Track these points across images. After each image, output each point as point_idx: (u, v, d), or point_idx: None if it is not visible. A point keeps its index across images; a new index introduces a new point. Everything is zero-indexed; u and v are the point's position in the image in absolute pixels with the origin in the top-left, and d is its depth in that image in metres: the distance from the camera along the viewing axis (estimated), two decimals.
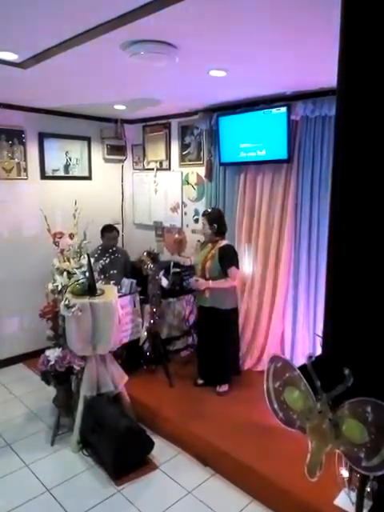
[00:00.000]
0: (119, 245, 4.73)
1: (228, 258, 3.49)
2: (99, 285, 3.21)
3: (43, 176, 4.50)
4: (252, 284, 4.05)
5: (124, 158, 5.19)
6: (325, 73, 2.64)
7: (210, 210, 3.68)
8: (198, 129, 4.39)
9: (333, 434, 1.29)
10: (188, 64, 2.67)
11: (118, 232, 4.47)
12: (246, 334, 4.09)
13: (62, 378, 3.12)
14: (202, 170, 4.42)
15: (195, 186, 4.60)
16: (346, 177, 1.24)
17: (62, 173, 4.66)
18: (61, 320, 3.17)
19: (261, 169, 3.90)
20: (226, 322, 3.58)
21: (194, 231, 4.63)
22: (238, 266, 3.55)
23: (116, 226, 4.55)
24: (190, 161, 4.61)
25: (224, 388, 3.63)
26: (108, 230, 4.35)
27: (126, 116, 4.86)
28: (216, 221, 3.55)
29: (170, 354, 4.19)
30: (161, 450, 3.07)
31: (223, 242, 3.56)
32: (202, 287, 3.53)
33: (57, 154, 4.59)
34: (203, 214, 3.66)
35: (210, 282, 3.48)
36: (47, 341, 3.29)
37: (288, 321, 3.90)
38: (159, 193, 4.99)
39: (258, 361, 4.03)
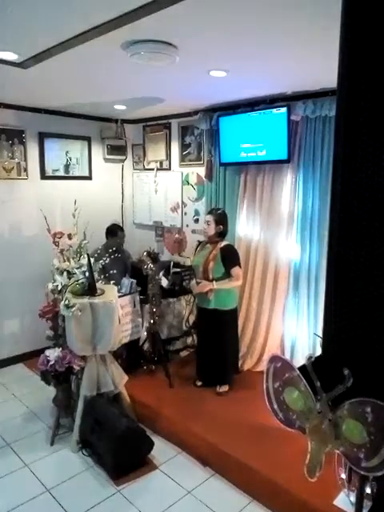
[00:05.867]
0: None
1: (231, 258, 3.47)
2: (99, 285, 3.21)
3: (43, 176, 4.50)
4: (252, 284, 4.05)
5: (124, 157, 5.19)
6: (325, 73, 2.64)
7: (218, 210, 3.64)
8: (199, 129, 4.38)
9: (332, 434, 1.29)
10: (188, 64, 2.67)
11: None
12: (246, 334, 4.09)
13: (61, 378, 3.12)
14: (202, 170, 4.42)
15: (195, 186, 4.60)
16: (347, 177, 1.24)
17: (62, 173, 4.66)
18: (61, 320, 3.18)
19: (261, 169, 3.90)
20: (228, 322, 3.59)
21: (194, 231, 4.64)
22: (240, 266, 3.54)
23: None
24: (190, 161, 4.61)
25: (224, 388, 3.63)
26: (120, 229, 4.38)
27: (126, 116, 4.86)
28: (222, 222, 3.53)
29: (170, 354, 4.19)
30: (161, 450, 3.07)
31: (223, 243, 3.54)
32: (205, 289, 3.46)
33: (57, 154, 4.59)
34: (210, 212, 3.61)
35: (214, 283, 3.44)
36: (47, 341, 3.30)
37: (288, 321, 3.90)
38: (159, 193, 4.99)
39: (258, 361, 4.03)
